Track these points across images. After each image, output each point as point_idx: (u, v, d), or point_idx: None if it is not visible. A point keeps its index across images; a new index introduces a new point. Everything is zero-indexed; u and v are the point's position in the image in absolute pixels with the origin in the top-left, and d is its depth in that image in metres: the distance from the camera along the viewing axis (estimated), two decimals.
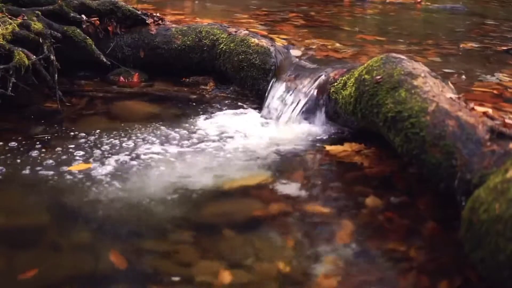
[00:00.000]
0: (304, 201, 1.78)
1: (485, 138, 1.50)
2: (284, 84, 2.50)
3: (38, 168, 1.91)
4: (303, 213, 1.71)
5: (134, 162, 1.98)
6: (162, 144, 2.15)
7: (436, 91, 1.77)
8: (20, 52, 2.38)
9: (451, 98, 1.73)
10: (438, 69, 2.44)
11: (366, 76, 2.00)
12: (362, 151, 2.10)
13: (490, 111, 1.65)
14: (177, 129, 2.30)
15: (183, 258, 1.47)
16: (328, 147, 2.14)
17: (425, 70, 1.94)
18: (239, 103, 2.64)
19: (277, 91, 2.50)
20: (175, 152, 2.08)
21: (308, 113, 2.37)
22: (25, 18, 2.58)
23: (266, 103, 2.51)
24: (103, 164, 1.95)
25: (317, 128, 2.33)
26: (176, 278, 1.39)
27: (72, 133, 2.21)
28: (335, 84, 2.28)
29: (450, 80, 1.97)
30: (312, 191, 1.86)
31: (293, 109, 2.39)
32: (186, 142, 2.18)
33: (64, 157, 2.00)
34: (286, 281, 1.40)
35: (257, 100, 2.63)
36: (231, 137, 2.24)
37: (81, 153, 2.04)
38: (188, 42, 2.89)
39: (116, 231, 1.60)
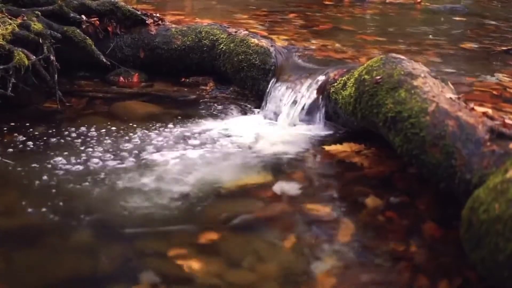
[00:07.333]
0: (304, 201, 1.77)
1: (485, 138, 1.50)
2: (284, 84, 2.50)
3: (38, 168, 1.91)
4: (303, 213, 1.71)
5: (133, 162, 1.98)
6: (161, 144, 2.15)
7: (436, 91, 1.77)
8: (20, 52, 2.38)
9: (451, 98, 1.73)
10: (438, 69, 2.44)
11: (366, 76, 2.00)
12: (362, 151, 2.09)
13: (490, 111, 1.65)
14: (176, 130, 2.30)
15: (183, 258, 1.47)
16: (328, 147, 2.14)
17: (424, 70, 1.94)
18: (239, 104, 2.64)
19: (277, 91, 2.50)
20: (174, 152, 2.08)
21: (308, 113, 2.37)
22: (25, 18, 2.58)
23: (266, 104, 2.51)
24: (102, 163, 1.96)
25: (317, 128, 2.33)
26: (176, 278, 1.39)
27: (72, 133, 2.21)
28: (335, 84, 2.28)
29: (450, 80, 1.97)
30: (312, 191, 1.86)
31: (293, 109, 2.39)
32: (185, 142, 2.18)
33: (64, 156, 2.00)
34: (286, 281, 1.40)
35: (257, 101, 2.63)
36: (231, 137, 2.24)
37: (81, 153, 2.04)
38: (188, 43, 2.89)
39: (113, 229, 1.60)
